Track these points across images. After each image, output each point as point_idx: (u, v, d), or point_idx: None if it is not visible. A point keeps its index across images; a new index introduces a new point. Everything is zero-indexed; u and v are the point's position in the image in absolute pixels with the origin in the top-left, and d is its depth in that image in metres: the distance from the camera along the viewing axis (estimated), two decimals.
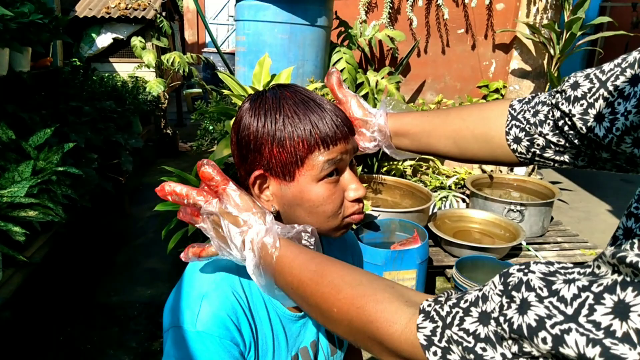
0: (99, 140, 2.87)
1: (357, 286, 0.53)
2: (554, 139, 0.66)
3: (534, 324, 0.36)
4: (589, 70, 0.60)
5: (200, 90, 8.91)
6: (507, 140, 0.71)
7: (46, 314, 2.64)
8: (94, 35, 5.27)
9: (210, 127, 2.62)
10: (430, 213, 3.15)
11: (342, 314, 0.52)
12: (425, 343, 0.44)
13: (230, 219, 0.63)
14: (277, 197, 0.70)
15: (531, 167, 3.95)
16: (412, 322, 0.46)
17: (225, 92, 2.33)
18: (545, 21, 3.57)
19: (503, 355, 0.39)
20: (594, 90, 0.58)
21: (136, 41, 5.23)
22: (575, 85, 0.60)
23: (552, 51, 3.56)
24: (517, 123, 0.70)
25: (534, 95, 0.71)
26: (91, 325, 2.60)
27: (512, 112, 0.71)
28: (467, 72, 3.87)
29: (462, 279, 2.44)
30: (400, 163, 3.85)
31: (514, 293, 0.39)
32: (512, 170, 3.98)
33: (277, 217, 0.72)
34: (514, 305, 0.39)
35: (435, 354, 0.43)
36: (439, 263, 2.89)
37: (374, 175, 3.56)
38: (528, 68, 3.80)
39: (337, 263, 0.60)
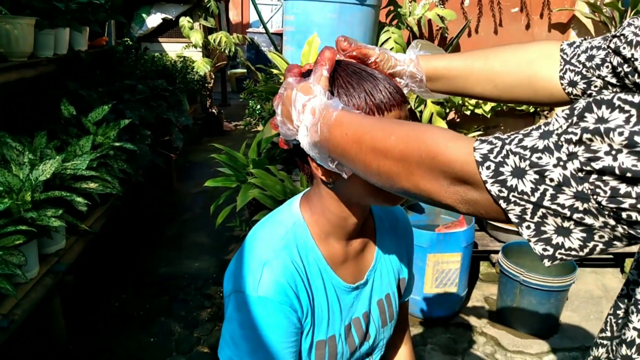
0: (151, 117, 2.98)
1: (421, 124, 0.55)
2: (613, 81, 0.66)
3: (613, 125, 0.38)
4: None
5: (244, 70, 9.02)
6: (562, 84, 0.71)
7: (102, 281, 2.81)
8: (144, 15, 5.40)
9: (258, 107, 2.66)
10: None
11: (399, 138, 0.52)
12: (480, 160, 0.45)
13: (304, 90, 0.64)
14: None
15: None
16: (469, 143, 0.47)
17: (274, 71, 2.35)
18: None
19: (558, 159, 0.41)
20: None
21: (184, 21, 5.33)
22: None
23: (613, 31, 3.37)
24: (571, 67, 0.70)
25: (582, 39, 0.71)
26: (143, 293, 2.74)
27: (565, 56, 0.71)
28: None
29: (509, 264, 2.40)
30: None
31: (585, 113, 0.41)
32: None
33: (334, 189, 0.74)
34: (589, 117, 0.40)
35: (488, 167, 0.45)
36: (484, 247, 2.85)
37: None
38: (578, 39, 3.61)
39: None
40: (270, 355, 0.71)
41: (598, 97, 0.41)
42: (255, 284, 0.71)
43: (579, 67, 0.69)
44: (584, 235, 0.42)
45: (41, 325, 2.22)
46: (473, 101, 3.59)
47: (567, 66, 0.71)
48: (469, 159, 0.46)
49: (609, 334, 0.64)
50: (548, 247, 0.44)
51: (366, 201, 0.73)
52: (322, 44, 2.58)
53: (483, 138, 0.47)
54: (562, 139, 0.41)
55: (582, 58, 0.69)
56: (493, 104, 3.61)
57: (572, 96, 0.72)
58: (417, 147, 0.50)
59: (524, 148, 0.43)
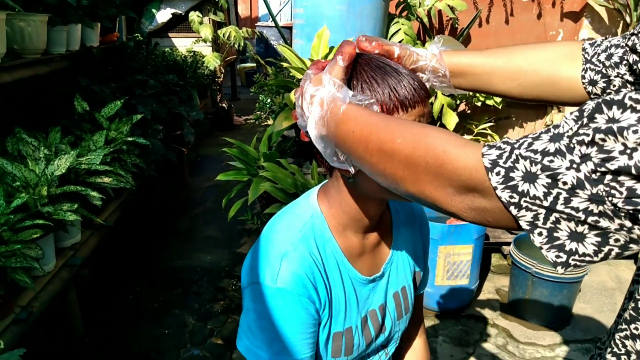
0: (163, 112, 3.00)
1: (428, 125, 0.54)
2: (631, 79, 0.66)
3: (626, 124, 0.37)
4: None
5: (254, 64, 9.02)
6: (583, 83, 0.72)
7: (117, 274, 2.85)
8: (154, 10, 5.42)
9: (269, 100, 2.67)
10: None
11: (405, 142, 0.51)
12: (489, 166, 0.44)
13: (315, 81, 0.64)
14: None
15: None
16: (477, 149, 0.46)
17: (284, 65, 2.36)
18: None
19: (571, 161, 0.40)
20: None
21: (194, 16, 5.35)
22: None
23: (628, 19, 3.32)
24: (592, 66, 0.71)
25: (603, 38, 0.72)
26: (157, 286, 2.78)
27: (586, 55, 0.72)
28: (531, 42, 3.68)
29: (521, 255, 2.39)
30: None
31: (595, 114, 0.40)
32: None
33: (353, 183, 0.74)
34: (599, 118, 0.39)
35: (498, 174, 0.43)
36: (496, 239, 2.84)
37: None
38: (599, 38, 3.56)
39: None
40: (287, 346, 0.72)
41: (608, 98, 0.40)
42: (274, 275, 0.72)
43: (599, 66, 0.70)
44: (599, 239, 0.41)
45: (58, 317, 2.26)
46: None
47: (588, 65, 0.71)
48: (477, 165, 0.45)
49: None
50: (561, 254, 0.43)
51: (385, 196, 0.74)
52: (332, 36, 2.57)
53: (491, 144, 0.46)
54: (573, 140, 0.40)
55: (602, 57, 0.69)
56: None
57: (592, 95, 0.72)
58: (424, 153, 0.49)
59: (535, 152, 0.42)
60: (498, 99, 3.57)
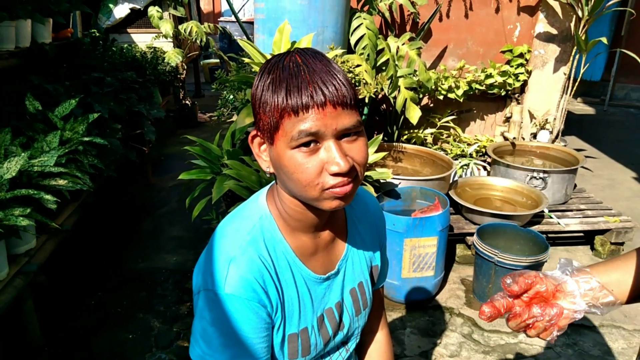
0: (121, 111, 2.91)
1: None
2: None
3: None
4: None
5: (217, 60, 8.87)
6: None
7: (78, 279, 2.75)
8: (111, 5, 5.25)
9: (231, 97, 2.63)
10: (451, 181, 3.14)
11: None
12: None
13: None
14: (270, 159, 0.72)
15: (555, 134, 3.87)
16: None
17: (246, 60, 2.32)
18: None
19: None
20: None
21: (153, 11, 5.20)
22: None
23: (580, 13, 3.43)
24: None
25: None
26: (121, 290, 2.70)
27: None
28: (490, 36, 3.76)
29: (484, 245, 2.44)
30: (421, 131, 3.82)
31: None
32: (535, 137, 3.90)
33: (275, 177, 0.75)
34: None
35: None
36: (460, 230, 2.90)
37: (394, 143, 3.54)
38: (554, 31, 3.67)
39: None
40: (241, 352, 0.71)
41: None
42: (222, 281, 0.70)
43: None
44: None
45: (14, 327, 2.17)
46: (446, 86, 3.62)
47: None
48: None
49: None
50: None
51: (298, 197, 0.72)
52: (294, 31, 2.54)
53: None
54: None
55: None
56: (466, 88, 3.64)
57: None
58: None
59: None
60: (459, 92, 3.63)
